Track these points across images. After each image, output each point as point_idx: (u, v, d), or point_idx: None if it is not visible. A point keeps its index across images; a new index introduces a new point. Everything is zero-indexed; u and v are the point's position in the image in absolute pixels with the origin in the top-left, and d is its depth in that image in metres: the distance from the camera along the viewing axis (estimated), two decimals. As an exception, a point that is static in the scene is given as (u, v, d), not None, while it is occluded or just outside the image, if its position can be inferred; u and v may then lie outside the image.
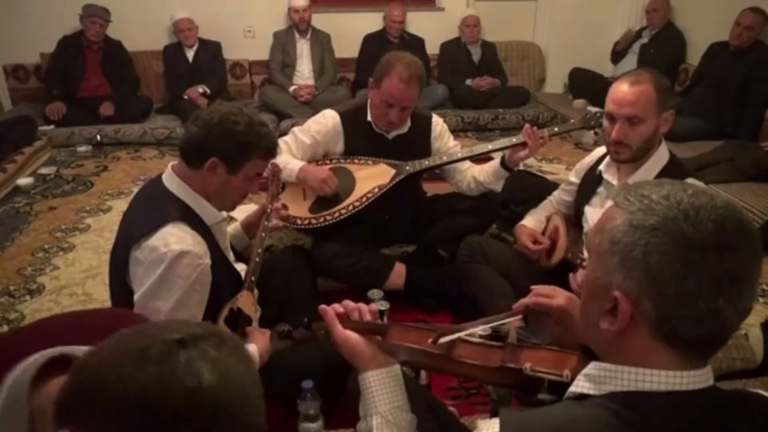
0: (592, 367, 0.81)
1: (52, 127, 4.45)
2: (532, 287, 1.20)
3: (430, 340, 1.07)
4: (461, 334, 1.08)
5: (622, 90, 1.76)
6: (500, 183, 2.40)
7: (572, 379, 0.86)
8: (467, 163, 2.48)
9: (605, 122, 1.85)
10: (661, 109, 1.75)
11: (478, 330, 1.14)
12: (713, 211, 0.72)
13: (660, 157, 1.84)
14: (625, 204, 0.77)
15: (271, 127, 4.42)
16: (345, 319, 1.17)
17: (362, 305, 1.19)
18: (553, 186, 2.66)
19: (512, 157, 2.29)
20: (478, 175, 2.42)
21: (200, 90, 4.69)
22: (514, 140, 2.30)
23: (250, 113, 1.61)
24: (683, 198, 0.74)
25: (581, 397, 0.80)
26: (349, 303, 1.19)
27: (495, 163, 2.37)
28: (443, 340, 1.07)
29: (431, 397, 1.42)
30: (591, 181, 2.04)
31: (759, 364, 1.99)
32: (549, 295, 1.16)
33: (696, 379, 0.76)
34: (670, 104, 1.79)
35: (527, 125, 2.28)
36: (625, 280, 0.75)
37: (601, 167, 1.99)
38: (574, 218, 2.14)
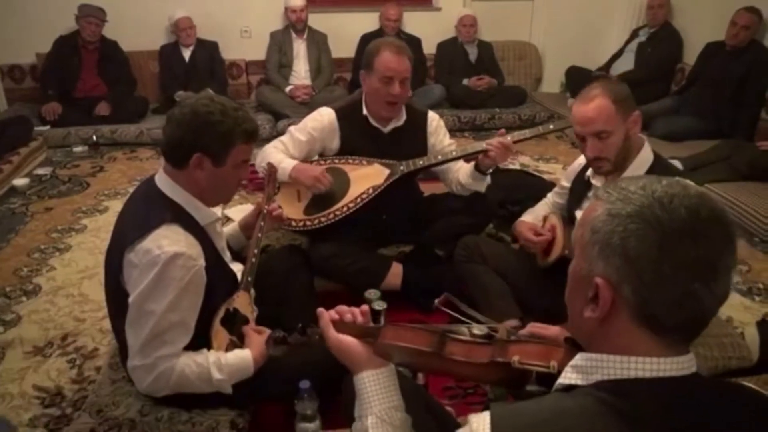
0: (579, 358, 0.84)
1: (48, 127, 4.43)
2: (531, 324, 1.33)
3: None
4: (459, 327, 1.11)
5: (580, 110, 1.80)
6: (481, 184, 2.41)
7: (559, 371, 0.88)
8: (460, 163, 2.48)
9: (579, 142, 1.88)
10: (624, 116, 1.77)
11: (474, 330, 1.16)
12: (687, 198, 0.76)
13: (644, 158, 1.85)
14: (605, 196, 0.81)
15: (267, 127, 4.46)
16: (339, 324, 1.18)
17: (354, 308, 1.21)
18: (550, 185, 2.67)
19: (482, 162, 2.32)
20: (461, 176, 2.43)
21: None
22: (484, 144, 2.30)
23: (222, 100, 1.57)
24: (657, 188, 0.77)
25: (569, 388, 0.82)
26: (342, 307, 1.21)
27: (471, 165, 2.39)
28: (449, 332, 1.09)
29: (429, 397, 1.43)
30: (580, 187, 2.06)
31: (755, 363, 2.00)
32: (544, 327, 1.28)
33: (679, 365, 0.78)
34: (633, 106, 1.80)
35: (502, 130, 2.34)
36: (606, 267, 0.78)
37: (589, 173, 2.00)
38: (568, 220, 2.15)
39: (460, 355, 1.05)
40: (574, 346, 0.94)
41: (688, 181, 0.80)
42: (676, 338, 0.78)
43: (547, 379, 0.92)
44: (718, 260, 0.75)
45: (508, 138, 2.27)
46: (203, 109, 1.51)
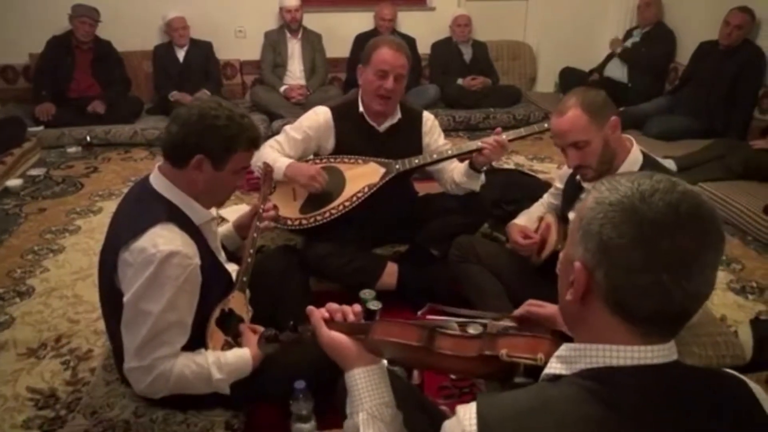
0: (563, 349, 0.86)
1: (41, 128, 4.41)
2: (528, 301, 1.33)
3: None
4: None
5: (555, 123, 1.85)
6: (475, 183, 2.41)
7: (545, 363, 0.89)
8: (454, 162, 2.48)
9: (562, 152, 1.91)
10: (600, 123, 1.79)
11: (470, 329, 1.17)
12: (669, 194, 0.77)
13: (634, 159, 1.86)
14: (598, 186, 0.84)
15: (262, 127, 4.45)
16: (330, 321, 1.19)
17: (345, 307, 1.21)
18: (545, 185, 2.67)
19: (476, 159, 2.32)
20: (455, 175, 2.44)
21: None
22: (479, 143, 2.29)
23: (229, 106, 1.59)
24: (645, 182, 0.79)
25: (555, 378, 0.84)
26: (332, 305, 1.22)
27: (466, 163, 2.39)
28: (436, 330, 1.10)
29: (423, 396, 1.43)
30: (572, 189, 2.07)
31: (748, 361, 2.02)
32: (540, 305, 1.29)
33: (660, 353, 0.79)
34: (610, 111, 1.82)
35: (498, 129, 2.33)
36: (584, 251, 0.81)
37: (579, 177, 2.01)
38: (562, 220, 2.16)
39: (449, 350, 1.07)
40: (561, 338, 0.97)
41: (680, 180, 0.81)
42: (649, 330, 0.80)
43: (535, 371, 0.93)
44: (693, 256, 0.76)
45: (503, 136, 2.27)
46: (211, 113, 1.53)
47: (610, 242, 0.77)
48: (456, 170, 2.45)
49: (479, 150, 2.28)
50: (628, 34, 5.09)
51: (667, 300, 0.76)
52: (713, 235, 0.77)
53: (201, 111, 1.53)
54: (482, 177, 2.41)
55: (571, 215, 2.05)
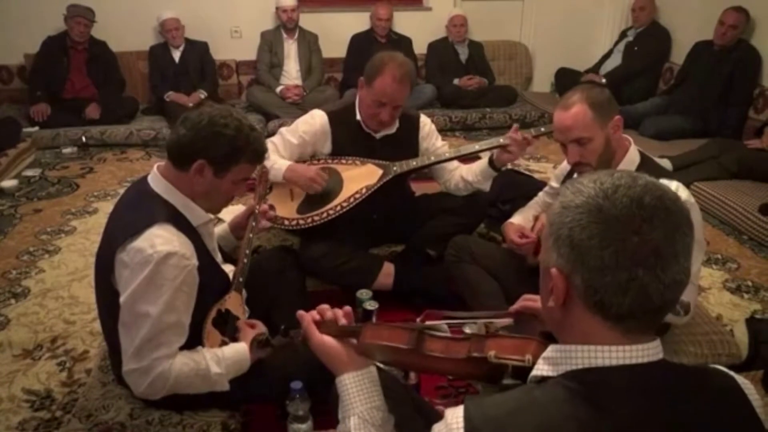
0: (550, 350, 0.86)
1: (36, 128, 4.39)
2: (523, 296, 1.33)
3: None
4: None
5: (559, 117, 1.83)
6: (488, 182, 2.42)
7: (533, 364, 0.89)
8: (455, 163, 2.49)
9: (561, 148, 1.90)
10: (603, 121, 1.78)
11: (466, 329, 1.17)
12: (631, 189, 0.77)
13: (631, 159, 1.86)
14: (563, 191, 0.84)
15: (258, 127, 4.44)
16: (321, 324, 1.19)
17: (337, 309, 1.21)
18: (541, 184, 2.67)
19: (499, 157, 2.31)
20: (467, 174, 2.43)
21: (201, 96, 4.64)
22: (501, 140, 2.31)
23: (240, 116, 1.60)
24: (607, 180, 0.80)
25: (541, 380, 0.84)
26: (323, 306, 1.22)
27: (483, 162, 2.38)
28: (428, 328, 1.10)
29: (419, 398, 1.43)
30: None
31: (744, 360, 2.03)
32: (536, 299, 1.28)
33: (645, 352, 0.79)
34: (614, 110, 1.81)
35: (515, 126, 2.31)
36: (558, 257, 0.81)
37: (576, 175, 2.01)
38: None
39: (438, 351, 1.07)
40: (549, 339, 0.97)
41: (641, 174, 0.81)
42: (632, 326, 0.80)
43: (524, 372, 0.94)
44: (664, 247, 0.76)
45: (526, 134, 2.26)
46: (220, 121, 1.54)
47: (581, 245, 0.77)
48: (465, 169, 2.44)
49: (503, 147, 2.27)
50: (623, 34, 5.10)
51: (646, 294, 0.76)
52: (680, 222, 0.78)
53: (211, 117, 1.54)
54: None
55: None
